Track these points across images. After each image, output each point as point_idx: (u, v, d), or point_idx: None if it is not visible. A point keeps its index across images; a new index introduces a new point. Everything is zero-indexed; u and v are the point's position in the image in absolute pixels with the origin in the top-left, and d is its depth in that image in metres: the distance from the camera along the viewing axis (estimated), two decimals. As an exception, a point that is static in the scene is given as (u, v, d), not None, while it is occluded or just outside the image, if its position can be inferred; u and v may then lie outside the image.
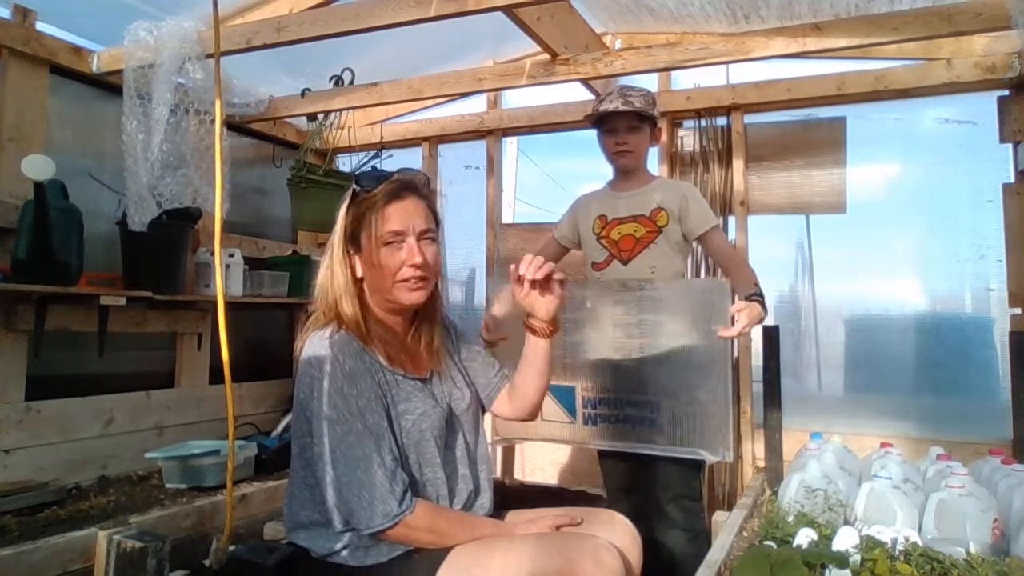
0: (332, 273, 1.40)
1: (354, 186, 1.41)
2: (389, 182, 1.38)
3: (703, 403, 1.82)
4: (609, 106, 2.02)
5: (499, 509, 1.53)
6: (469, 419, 1.50)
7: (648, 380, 1.94)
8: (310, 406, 1.31)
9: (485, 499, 1.48)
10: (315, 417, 1.30)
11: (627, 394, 1.96)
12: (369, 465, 1.25)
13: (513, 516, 1.52)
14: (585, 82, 2.81)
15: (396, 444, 1.32)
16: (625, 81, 2.97)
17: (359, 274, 1.41)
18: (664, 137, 2.85)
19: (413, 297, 1.39)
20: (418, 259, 1.35)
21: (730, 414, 1.86)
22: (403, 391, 1.37)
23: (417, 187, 1.42)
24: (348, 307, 1.37)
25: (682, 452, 1.93)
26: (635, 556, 1.41)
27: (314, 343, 1.35)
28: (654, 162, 2.96)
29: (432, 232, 1.41)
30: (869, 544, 1.44)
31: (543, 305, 1.44)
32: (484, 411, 1.61)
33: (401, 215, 1.36)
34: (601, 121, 2.08)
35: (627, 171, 2.12)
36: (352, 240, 1.40)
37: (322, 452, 1.28)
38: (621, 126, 2.04)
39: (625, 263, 2.07)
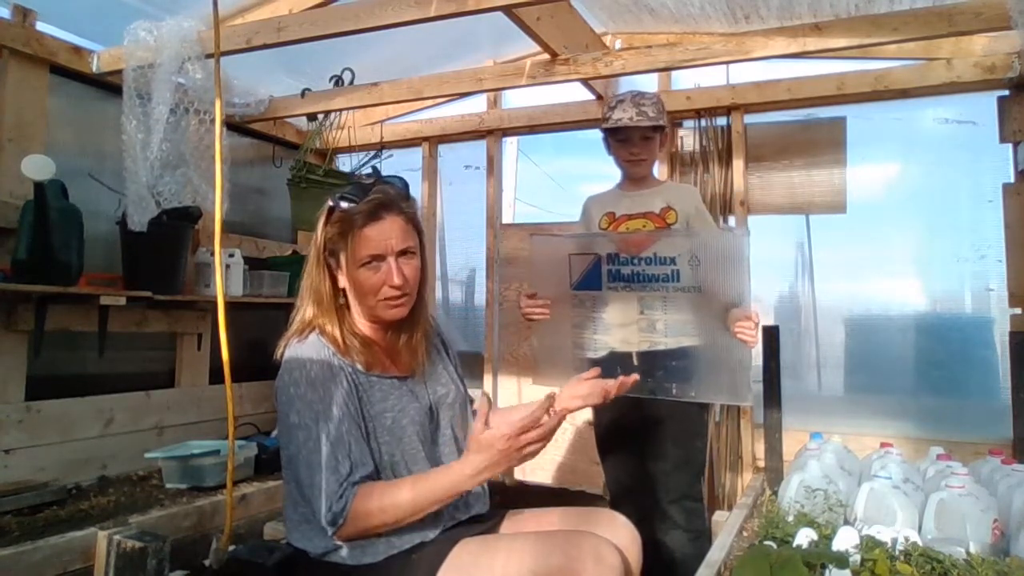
0: (311, 282, 1.40)
1: (330, 202, 1.39)
2: (366, 201, 1.36)
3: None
4: (623, 115, 2.01)
5: (499, 509, 1.53)
6: (456, 414, 1.50)
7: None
8: (282, 412, 1.33)
9: (477, 491, 1.47)
10: (282, 423, 1.32)
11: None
12: (322, 470, 1.25)
13: (513, 516, 1.52)
14: (585, 82, 2.81)
15: (369, 447, 1.32)
16: (625, 81, 2.99)
17: (340, 284, 1.40)
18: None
19: (394, 314, 1.40)
20: (397, 280, 1.35)
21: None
22: (378, 392, 1.38)
23: (396, 204, 1.38)
24: (324, 315, 1.38)
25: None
26: (635, 556, 1.41)
27: (289, 350, 1.36)
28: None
29: (412, 248, 1.39)
30: (869, 544, 1.44)
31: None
32: (473, 404, 1.61)
33: (379, 237, 1.35)
34: (613, 130, 2.09)
35: (638, 178, 2.13)
36: (331, 254, 1.39)
37: (290, 457, 1.31)
38: (635, 136, 2.04)
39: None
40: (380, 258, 1.35)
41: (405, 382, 1.43)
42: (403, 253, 1.38)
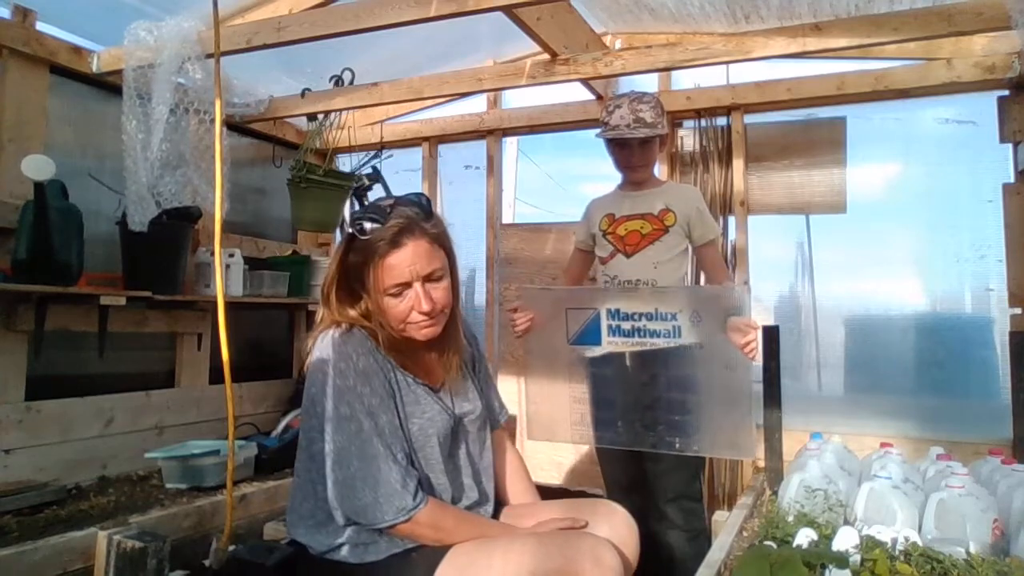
0: (336, 302, 1.38)
1: (349, 229, 1.34)
2: (387, 227, 1.29)
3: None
4: (620, 122, 2.01)
5: (499, 507, 1.54)
6: (476, 431, 1.50)
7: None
8: (322, 403, 1.30)
9: (487, 509, 1.48)
10: (328, 414, 1.29)
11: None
12: (383, 461, 1.26)
13: (513, 509, 1.52)
14: (585, 82, 2.81)
15: (407, 442, 1.33)
16: (625, 81, 2.99)
17: (365, 307, 1.37)
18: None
19: (425, 334, 1.36)
20: (426, 307, 1.32)
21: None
22: (412, 394, 1.38)
23: (417, 227, 1.32)
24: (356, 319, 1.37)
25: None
26: (632, 548, 1.42)
27: (328, 340, 1.34)
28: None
29: (439, 270, 1.34)
30: (869, 544, 1.44)
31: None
32: (493, 427, 1.61)
33: (402, 265, 1.30)
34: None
35: (639, 181, 2.13)
36: (357, 279, 1.36)
37: (332, 449, 1.28)
38: (632, 143, 2.04)
39: (629, 256, 2.09)
40: (406, 286, 1.32)
41: (436, 392, 1.43)
42: (430, 277, 1.34)
